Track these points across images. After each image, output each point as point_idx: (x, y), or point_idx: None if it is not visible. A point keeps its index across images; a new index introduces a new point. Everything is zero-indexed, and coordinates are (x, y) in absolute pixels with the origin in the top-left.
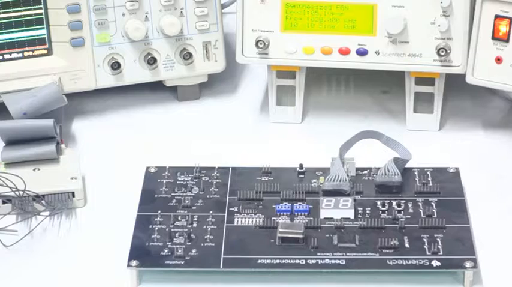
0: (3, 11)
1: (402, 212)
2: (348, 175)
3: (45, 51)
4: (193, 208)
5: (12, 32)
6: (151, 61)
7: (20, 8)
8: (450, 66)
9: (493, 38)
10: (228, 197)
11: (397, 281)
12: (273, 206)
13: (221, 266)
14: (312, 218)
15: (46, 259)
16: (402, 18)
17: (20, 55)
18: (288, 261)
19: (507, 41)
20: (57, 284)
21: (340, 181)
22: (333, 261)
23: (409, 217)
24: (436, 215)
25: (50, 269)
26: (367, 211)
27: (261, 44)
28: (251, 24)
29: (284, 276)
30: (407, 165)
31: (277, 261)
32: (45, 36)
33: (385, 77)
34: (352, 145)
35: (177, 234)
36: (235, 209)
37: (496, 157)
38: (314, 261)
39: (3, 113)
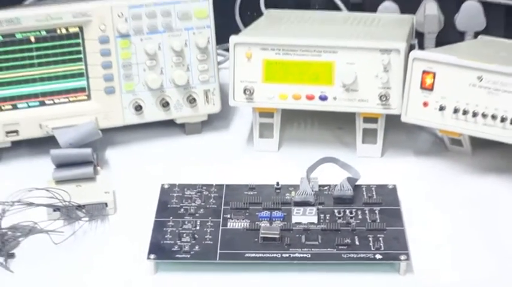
0: (55, 66)
1: (353, 218)
2: (312, 190)
3: (85, 97)
4: (197, 215)
5: (61, 83)
6: (165, 104)
7: (66, 65)
8: (389, 109)
9: (421, 87)
10: (222, 207)
11: (350, 270)
12: (257, 213)
13: (218, 259)
14: (286, 223)
15: (86, 253)
16: (353, 72)
17: (67, 100)
18: (268, 255)
19: (431, 90)
20: (93, 271)
21: (307, 194)
22: (301, 255)
23: (358, 221)
24: (379, 220)
25: (89, 261)
26: (327, 217)
27: (247, 91)
28: (240, 76)
29: (265, 266)
30: (358, 183)
31: (260, 255)
32: (85, 85)
33: (340, 116)
34: (316, 168)
35: (184, 235)
36: (228, 216)
37: (423, 177)
38: (287, 255)
39: (54, 144)
